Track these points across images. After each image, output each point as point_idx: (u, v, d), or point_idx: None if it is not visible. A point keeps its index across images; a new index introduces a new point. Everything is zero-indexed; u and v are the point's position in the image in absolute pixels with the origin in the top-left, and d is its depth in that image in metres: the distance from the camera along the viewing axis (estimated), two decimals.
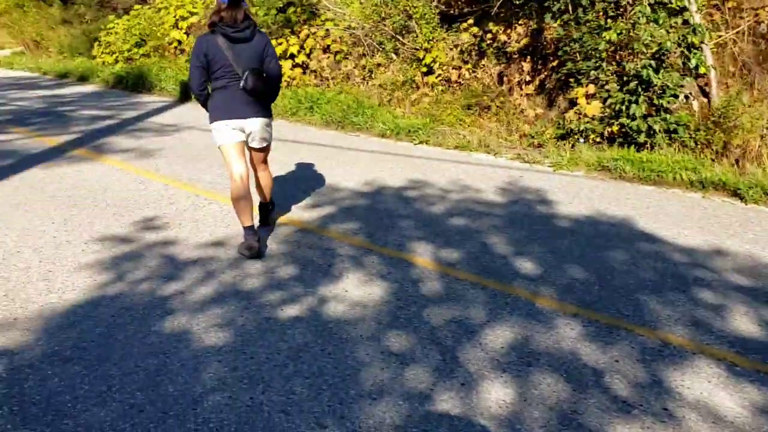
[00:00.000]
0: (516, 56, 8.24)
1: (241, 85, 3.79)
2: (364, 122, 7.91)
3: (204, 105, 3.99)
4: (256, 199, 4.51)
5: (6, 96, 11.70)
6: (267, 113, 4.02)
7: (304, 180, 5.60)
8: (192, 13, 15.44)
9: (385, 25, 9.46)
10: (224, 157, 3.94)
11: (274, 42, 10.41)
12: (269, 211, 4.46)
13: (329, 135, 7.80)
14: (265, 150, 4.16)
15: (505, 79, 8.33)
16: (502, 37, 8.45)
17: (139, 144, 7.29)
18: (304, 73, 10.91)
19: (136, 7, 17.03)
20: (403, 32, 9.23)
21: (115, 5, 17.86)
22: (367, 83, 9.70)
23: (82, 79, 14.45)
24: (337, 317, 3.01)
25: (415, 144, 7.13)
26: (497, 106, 7.95)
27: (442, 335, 2.81)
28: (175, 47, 15.05)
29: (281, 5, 11.37)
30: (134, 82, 12.39)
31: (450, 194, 5.08)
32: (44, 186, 5.49)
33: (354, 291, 3.30)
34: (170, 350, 2.71)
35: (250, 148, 4.06)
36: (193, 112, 9.35)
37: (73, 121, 8.84)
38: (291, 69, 11.02)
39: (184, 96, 11.11)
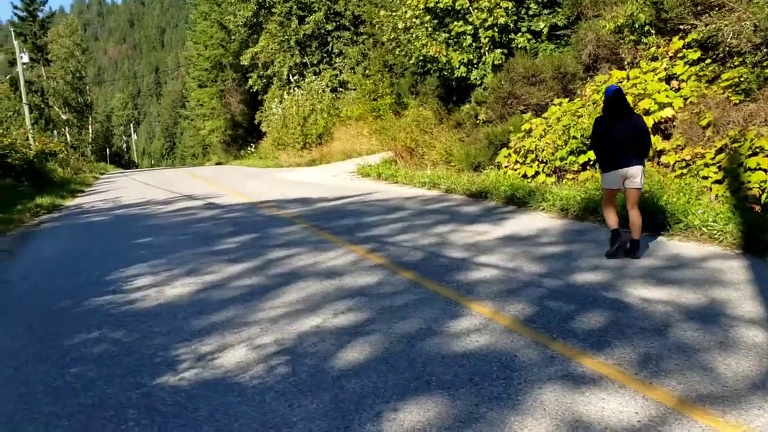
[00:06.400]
0: None
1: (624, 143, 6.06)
2: None
3: (600, 163, 6.49)
4: None
5: (448, 240, 7.75)
6: (642, 163, 6.18)
7: None
8: (663, 105, 10.63)
9: None
10: (605, 195, 6.45)
11: None
12: (636, 248, 6.23)
13: None
14: (637, 192, 6.21)
15: None
16: None
17: None
18: None
19: (558, 101, 12.89)
20: None
21: (526, 100, 13.97)
22: None
23: (514, 202, 10.28)
24: None
25: None
26: None
27: None
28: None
29: None
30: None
31: None
32: None
33: None
34: None
35: (627, 190, 6.22)
36: None
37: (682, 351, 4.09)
38: None
39: (750, 243, 6.04)
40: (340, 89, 35.43)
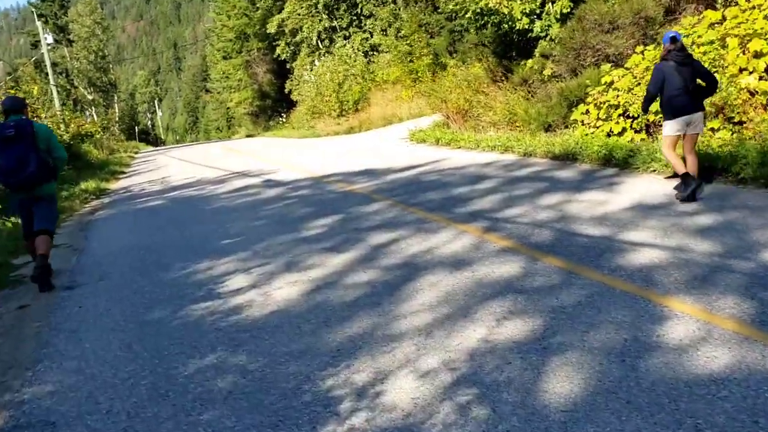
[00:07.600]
0: None
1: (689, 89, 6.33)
2: None
3: (646, 111, 7.44)
4: None
5: (568, 213, 6.75)
6: (703, 108, 6.64)
7: None
8: None
9: None
10: (665, 142, 6.71)
11: None
12: (698, 185, 6.39)
13: None
14: (696, 137, 6.71)
15: None
16: None
17: None
18: None
19: (640, 49, 11.64)
20: None
21: (601, 51, 12.72)
22: None
23: (611, 164, 9.18)
24: None
25: None
26: None
27: None
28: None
29: None
30: None
31: None
32: None
33: None
34: None
35: (687, 136, 6.55)
36: None
37: None
38: None
39: None
40: (373, 53, 34.15)
